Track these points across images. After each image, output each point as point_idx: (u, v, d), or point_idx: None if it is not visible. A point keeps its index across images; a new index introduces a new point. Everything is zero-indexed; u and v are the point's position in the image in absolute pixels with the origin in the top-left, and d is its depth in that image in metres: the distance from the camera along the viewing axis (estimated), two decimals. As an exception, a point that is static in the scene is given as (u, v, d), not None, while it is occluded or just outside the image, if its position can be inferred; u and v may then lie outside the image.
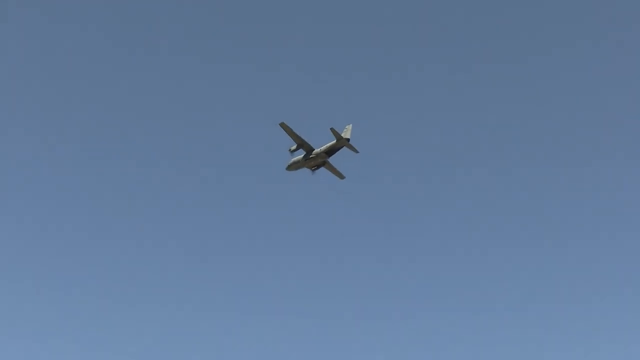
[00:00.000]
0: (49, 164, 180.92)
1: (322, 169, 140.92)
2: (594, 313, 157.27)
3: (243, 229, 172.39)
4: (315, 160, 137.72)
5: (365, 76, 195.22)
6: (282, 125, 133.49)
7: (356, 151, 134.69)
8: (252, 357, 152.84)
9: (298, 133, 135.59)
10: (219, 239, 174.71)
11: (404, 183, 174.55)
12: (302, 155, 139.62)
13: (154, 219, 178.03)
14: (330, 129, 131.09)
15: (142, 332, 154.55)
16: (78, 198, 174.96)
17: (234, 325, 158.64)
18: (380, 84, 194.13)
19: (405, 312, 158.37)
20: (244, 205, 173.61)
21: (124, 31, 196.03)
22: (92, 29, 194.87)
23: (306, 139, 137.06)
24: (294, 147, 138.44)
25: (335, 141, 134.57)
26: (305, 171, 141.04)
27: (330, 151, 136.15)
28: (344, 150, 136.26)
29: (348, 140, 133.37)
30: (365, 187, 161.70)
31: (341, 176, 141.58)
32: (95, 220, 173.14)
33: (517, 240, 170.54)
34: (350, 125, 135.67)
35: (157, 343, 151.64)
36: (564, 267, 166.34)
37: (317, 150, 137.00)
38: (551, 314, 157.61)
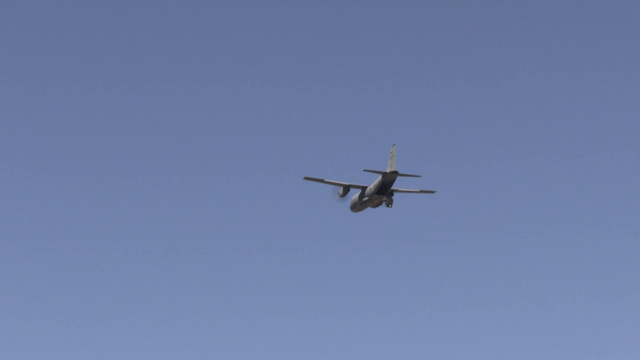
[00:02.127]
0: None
1: (397, 194, 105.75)
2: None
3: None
4: (373, 202, 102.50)
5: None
6: (308, 179, 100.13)
7: (417, 175, 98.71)
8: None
9: (332, 179, 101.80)
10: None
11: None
12: (357, 194, 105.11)
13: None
14: (364, 170, 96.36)
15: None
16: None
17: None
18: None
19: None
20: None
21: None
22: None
23: (346, 181, 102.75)
24: (341, 191, 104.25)
25: (380, 177, 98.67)
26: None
27: (383, 188, 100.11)
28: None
29: (395, 172, 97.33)
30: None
31: (431, 191, 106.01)
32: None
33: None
34: (394, 146, 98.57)
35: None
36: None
37: (368, 192, 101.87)
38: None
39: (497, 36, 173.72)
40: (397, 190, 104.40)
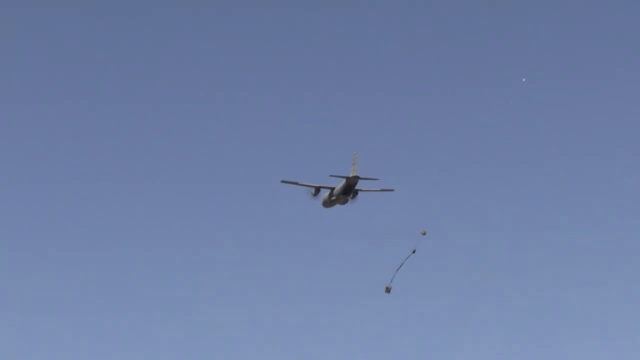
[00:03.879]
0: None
1: (361, 193, 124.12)
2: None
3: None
4: (340, 200, 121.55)
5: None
6: (284, 182, 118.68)
7: (374, 179, 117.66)
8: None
9: (305, 181, 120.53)
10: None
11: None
12: (327, 194, 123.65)
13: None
14: (330, 175, 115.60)
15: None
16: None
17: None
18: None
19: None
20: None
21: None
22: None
23: (317, 183, 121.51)
24: (313, 191, 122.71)
25: (345, 181, 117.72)
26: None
27: (347, 189, 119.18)
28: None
29: (357, 177, 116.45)
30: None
31: (389, 190, 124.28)
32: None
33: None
34: (356, 154, 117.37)
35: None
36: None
37: (335, 192, 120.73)
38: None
39: (448, 44, 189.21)
40: (361, 190, 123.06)
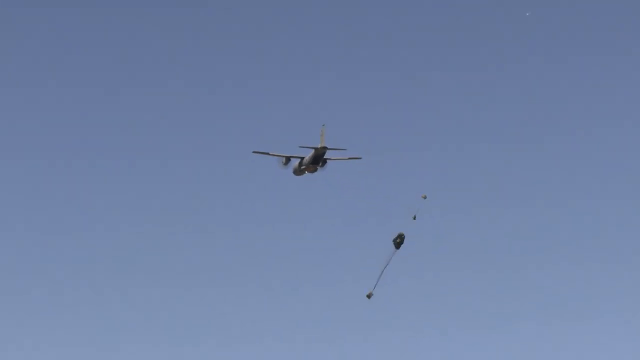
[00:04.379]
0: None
1: (331, 162, 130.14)
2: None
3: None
4: (309, 169, 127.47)
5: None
6: (256, 153, 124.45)
7: (342, 149, 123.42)
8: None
9: (275, 150, 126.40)
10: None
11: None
12: (298, 163, 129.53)
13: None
14: (300, 147, 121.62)
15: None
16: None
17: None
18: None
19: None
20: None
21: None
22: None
23: (287, 153, 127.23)
24: (284, 160, 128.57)
25: (313, 151, 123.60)
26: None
27: (316, 159, 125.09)
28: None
29: (324, 147, 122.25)
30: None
31: (356, 158, 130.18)
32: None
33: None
34: (323, 126, 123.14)
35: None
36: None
37: (305, 161, 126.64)
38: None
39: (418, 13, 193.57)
40: (330, 159, 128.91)
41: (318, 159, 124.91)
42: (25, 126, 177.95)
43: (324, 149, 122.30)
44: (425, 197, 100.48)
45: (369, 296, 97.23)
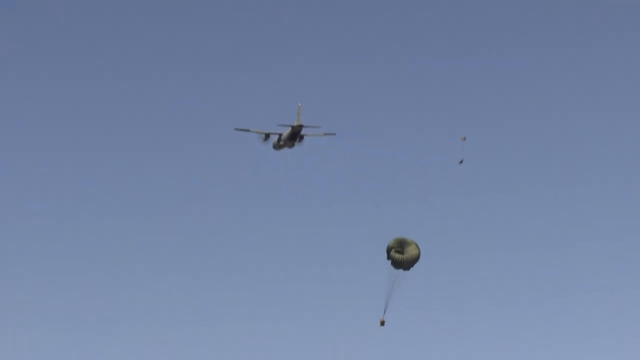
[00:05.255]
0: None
1: (308, 138, 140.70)
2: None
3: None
4: (287, 144, 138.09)
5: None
6: (237, 130, 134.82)
7: (316, 127, 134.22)
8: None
9: (257, 127, 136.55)
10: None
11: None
12: (277, 139, 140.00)
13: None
14: (278, 125, 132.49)
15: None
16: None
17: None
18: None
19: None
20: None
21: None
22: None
23: (268, 130, 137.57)
24: (264, 136, 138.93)
25: (290, 129, 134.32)
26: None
27: (293, 135, 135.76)
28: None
29: (300, 125, 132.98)
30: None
31: (331, 134, 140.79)
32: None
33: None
34: (299, 105, 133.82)
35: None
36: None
37: (283, 137, 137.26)
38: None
39: None
40: (307, 135, 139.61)
41: (295, 135, 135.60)
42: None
43: (300, 126, 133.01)
44: (464, 139, 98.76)
45: (382, 323, 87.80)
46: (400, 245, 79.97)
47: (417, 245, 79.70)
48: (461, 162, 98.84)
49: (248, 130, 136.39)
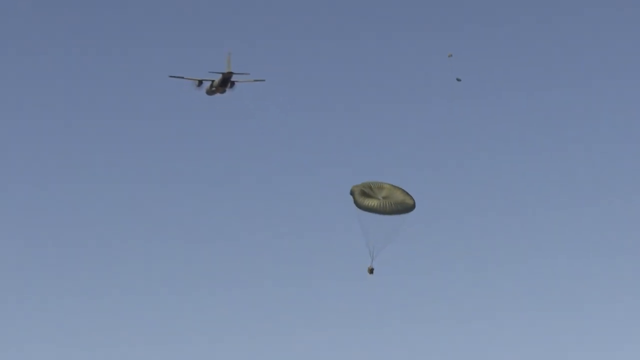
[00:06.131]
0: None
1: (239, 84, 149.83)
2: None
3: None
4: (219, 90, 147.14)
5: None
6: (172, 77, 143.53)
7: (245, 74, 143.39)
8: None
9: (190, 75, 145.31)
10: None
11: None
12: (209, 85, 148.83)
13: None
14: (209, 72, 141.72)
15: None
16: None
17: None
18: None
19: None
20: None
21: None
22: None
23: (201, 77, 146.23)
24: (197, 83, 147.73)
25: (221, 76, 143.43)
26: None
27: (224, 82, 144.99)
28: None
29: (230, 72, 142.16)
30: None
31: (260, 80, 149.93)
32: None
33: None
34: (230, 53, 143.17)
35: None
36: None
37: (215, 84, 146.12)
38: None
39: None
40: (237, 81, 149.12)
41: (226, 82, 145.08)
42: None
43: (230, 73, 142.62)
44: (451, 56, 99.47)
45: (370, 271, 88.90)
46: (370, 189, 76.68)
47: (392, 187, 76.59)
48: (459, 79, 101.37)
49: (182, 77, 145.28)
